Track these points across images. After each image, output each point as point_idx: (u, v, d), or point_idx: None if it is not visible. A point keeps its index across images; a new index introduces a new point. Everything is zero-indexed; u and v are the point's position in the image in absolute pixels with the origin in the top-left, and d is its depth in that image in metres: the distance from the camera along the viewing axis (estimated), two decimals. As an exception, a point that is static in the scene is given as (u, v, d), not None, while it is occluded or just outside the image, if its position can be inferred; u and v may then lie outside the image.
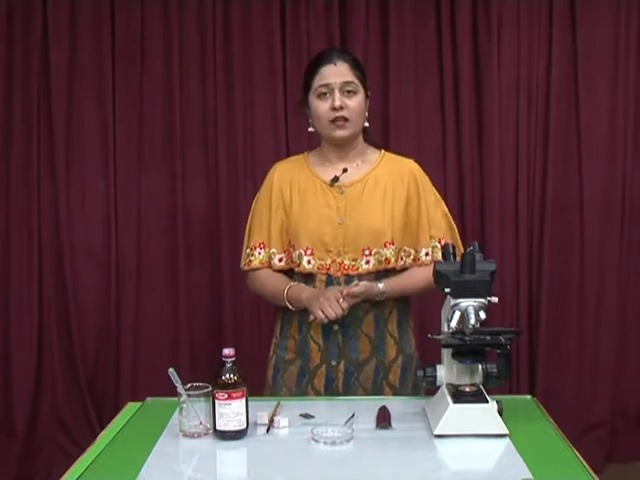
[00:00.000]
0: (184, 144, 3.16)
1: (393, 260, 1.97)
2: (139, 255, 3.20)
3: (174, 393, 1.64)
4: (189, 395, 1.62)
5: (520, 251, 3.23)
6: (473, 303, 1.62)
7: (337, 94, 1.91)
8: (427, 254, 2.00)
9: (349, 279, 1.93)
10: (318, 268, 1.95)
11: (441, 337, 1.67)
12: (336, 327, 1.93)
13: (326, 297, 1.85)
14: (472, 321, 1.60)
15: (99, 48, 3.12)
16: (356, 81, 1.94)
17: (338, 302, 1.85)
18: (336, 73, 1.92)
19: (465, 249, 1.73)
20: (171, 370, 1.62)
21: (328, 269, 1.95)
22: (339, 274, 1.94)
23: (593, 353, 3.27)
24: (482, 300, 1.62)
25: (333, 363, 1.96)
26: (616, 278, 3.25)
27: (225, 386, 1.57)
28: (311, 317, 1.89)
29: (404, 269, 2.01)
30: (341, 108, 1.91)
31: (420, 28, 3.17)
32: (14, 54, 3.11)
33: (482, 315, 1.61)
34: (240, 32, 3.13)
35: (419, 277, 2.00)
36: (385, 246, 1.95)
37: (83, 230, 3.19)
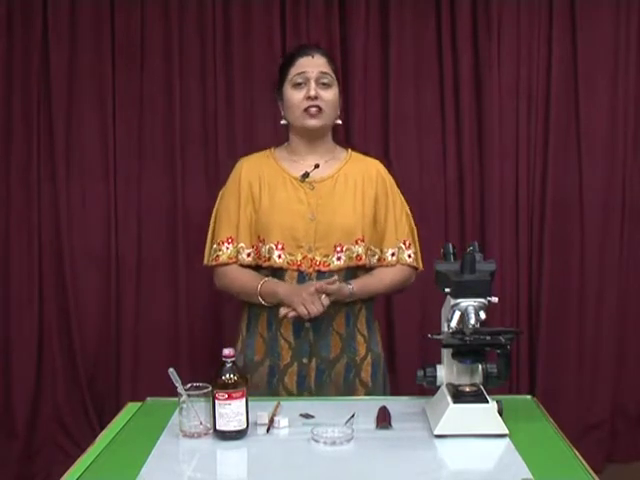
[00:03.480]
0: (184, 144, 3.16)
1: (364, 257, 1.98)
2: (139, 255, 3.20)
3: (174, 393, 1.64)
4: (189, 395, 1.62)
5: (520, 251, 3.23)
6: (473, 303, 1.62)
7: (313, 84, 1.94)
8: (393, 254, 2.03)
9: (320, 275, 1.94)
10: (289, 263, 1.94)
11: (441, 337, 1.67)
12: (307, 325, 1.93)
13: (309, 292, 1.85)
14: (472, 321, 1.60)
15: (99, 48, 3.11)
16: (332, 74, 1.98)
17: (320, 299, 1.86)
18: (313, 64, 1.95)
19: (465, 249, 1.73)
20: (171, 370, 1.63)
21: (299, 265, 1.95)
22: (310, 270, 1.95)
23: (593, 353, 3.27)
24: (482, 300, 1.63)
25: (304, 361, 1.96)
26: (616, 278, 3.25)
27: (225, 386, 1.58)
28: (282, 311, 1.87)
29: (370, 268, 2.03)
30: (315, 98, 1.93)
31: (420, 29, 3.16)
32: (14, 54, 3.10)
33: (482, 315, 1.62)
34: (240, 32, 3.13)
35: (386, 278, 2.03)
36: (356, 243, 1.96)
37: (83, 230, 3.18)
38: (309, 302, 1.84)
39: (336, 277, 1.90)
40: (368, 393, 2.00)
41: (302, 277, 1.94)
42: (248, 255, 1.99)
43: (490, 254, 2.94)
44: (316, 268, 1.94)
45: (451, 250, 1.75)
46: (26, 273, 3.16)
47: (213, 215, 2.08)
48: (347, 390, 1.98)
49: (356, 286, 1.95)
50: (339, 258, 1.95)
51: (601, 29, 3.16)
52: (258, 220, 1.98)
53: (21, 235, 3.16)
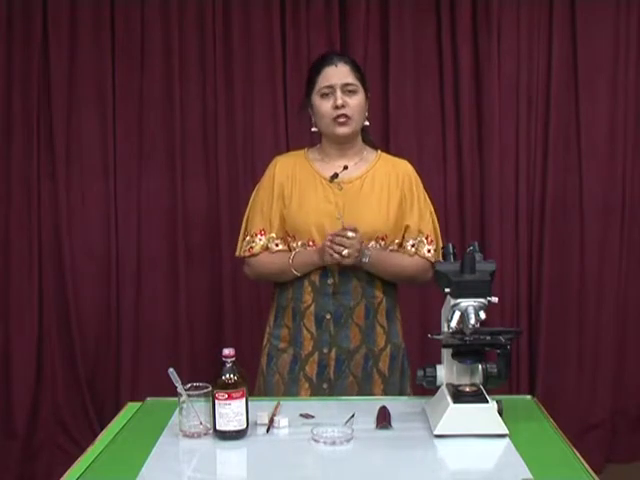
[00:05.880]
0: (184, 144, 3.16)
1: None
2: (139, 255, 3.20)
3: (174, 393, 1.64)
4: (189, 395, 1.62)
5: (520, 251, 3.23)
6: (473, 303, 1.62)
7: (339, 93, 2.01)
8: (413, 245, 2.07)
9: (342, 270, 2.00)
10: None
11: (441, 337, 1.68)
12: (328, 316, 2.00)
13: (332, 236, 1.92)
14: (472, 321, 1.60)
15: (99, 48, 3.12)
16: (356, 82, 2.05)
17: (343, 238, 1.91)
18: (338, 74, 2.03)
19: (465, 249, 1.74)
20: (171, 370, 1.63)
21: None
22: (333, 265, 2.00)
23: (593, 353, 3.27)
24: (482, 300, 1.63)
25: (325, 351, 2.02)
26: (616, 278, 3.25)
27: (225, 386, 1.58)
28: (330, 256, 1.91)
29: None
30: (342, 106, 2.01)
31: (420, 28, 3.17)
32: (14, 54, 3.11)
33: (482, 315, 1.62)
34: (240, 32, 3.13)
35: (405, 261, 2.06)
36: (376, 240, 2.03)
37: (83, 230, 3.19)
38: (334, 246, 1.91)
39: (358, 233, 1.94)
40: (385, 383, 2.04)
41: (325, 271, 2.01)
42: (277, 245, 2.07)
43: (490, 254, 2.94)
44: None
45: (451, 250, 1.76)
46: (26, 273, 3.16)
47: (247, 209, 2.14)
48: (364, 379, 2.03)
49: (373, 255, 1.98)
50: None
51: (601, 28, 3.16)
52: (288, 218, 2.06)
53: (21, 234, 3.16)
